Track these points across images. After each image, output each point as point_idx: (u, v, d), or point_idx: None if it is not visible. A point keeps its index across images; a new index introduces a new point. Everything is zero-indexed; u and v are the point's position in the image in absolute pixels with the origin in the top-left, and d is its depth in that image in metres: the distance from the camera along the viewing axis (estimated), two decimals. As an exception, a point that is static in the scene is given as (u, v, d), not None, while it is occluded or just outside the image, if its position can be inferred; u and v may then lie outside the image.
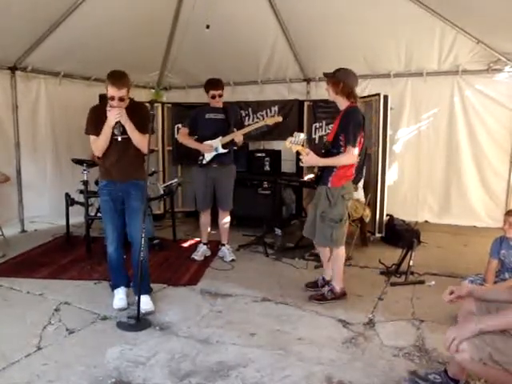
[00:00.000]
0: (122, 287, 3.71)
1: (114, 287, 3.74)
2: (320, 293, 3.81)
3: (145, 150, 3.49)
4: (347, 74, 3.61)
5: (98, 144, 3.46)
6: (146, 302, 3.55)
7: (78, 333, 3.23)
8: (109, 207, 3.57)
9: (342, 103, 3.64)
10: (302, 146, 3.56)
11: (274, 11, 5.95)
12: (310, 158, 3.53)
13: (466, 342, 2.04)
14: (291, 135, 3.55)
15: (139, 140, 3.46)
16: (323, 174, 3.66)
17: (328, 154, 3.60)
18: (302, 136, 3.56)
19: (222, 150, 4.68)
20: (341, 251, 3.78)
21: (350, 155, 3.51)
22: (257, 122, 5.04)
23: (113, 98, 3.34)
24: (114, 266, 3.69)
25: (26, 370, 2.72)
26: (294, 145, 3.51)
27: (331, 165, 3.57)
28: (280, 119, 4.78)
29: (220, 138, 4.67)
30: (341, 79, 3.57)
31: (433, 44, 5.84)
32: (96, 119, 3.46)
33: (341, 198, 3.62)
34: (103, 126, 3.40)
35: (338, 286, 3.80)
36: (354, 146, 3.49)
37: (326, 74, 3.70)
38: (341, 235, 3.72)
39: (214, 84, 4.72)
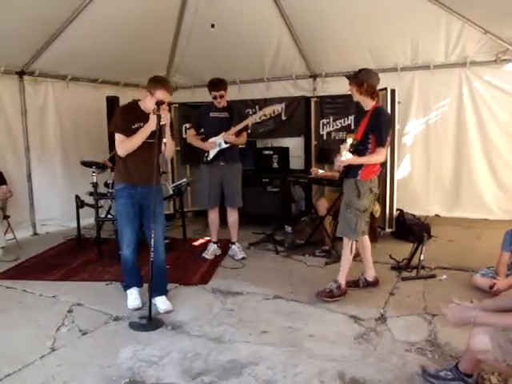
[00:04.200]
0: (135, 287, 3.75)
1: (127, 287, 3.76)
2: (328, 289, 3.77)
3: (170, 155, 3.66)
4: (370, 74, 3.67)
5: (130, 145, 3.43)
6: (164, 302, 3.61)
7: (91, 334, 3.26)
8: (128, 210, 3.56)
9: (368, 103, 3.67)
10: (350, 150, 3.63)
11: (278, 8, 5.94)
12: (347, 158, 3.57)
13: (490, 341, 2.02)
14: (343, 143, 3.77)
15: (171, 145, 3.61)
16: (351, 168, 3.68)
17: (356, 151, 3.62)
18: (349, 141, 3.67)
19: (224, 145, 4.72)
20: (353, 247, 3.76)
21: (381, 155, 3.61)
22: (254, 116, 5.06)
23: (163, 103, 3.40)
24: (129, 268, 3.70)
25: (40, 371, 2.76)
26: (344, 150, 3.62)
27: (362, 163, 3.62)
28: (278, 107, 4.77)
29: (223, 133, 4.70)
30: (364, 80, 3.60)
31: (439, 36, 5.79)
32: (128, 119, 3.46)
33: (369, 191, 3.68)
34: (131, 127, 3.42)
35: (343, 282, 3.79)
36: (383, 146, 3.59)
37: (348, 76, 3.72)
38: (363, 226, 3.75)
39: (214, 85, 4.71)
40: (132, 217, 3.59)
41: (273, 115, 5.06)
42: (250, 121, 4.89)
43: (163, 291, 3.70)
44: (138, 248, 3.70)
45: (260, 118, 6.66)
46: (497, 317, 2.11)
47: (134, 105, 3.57)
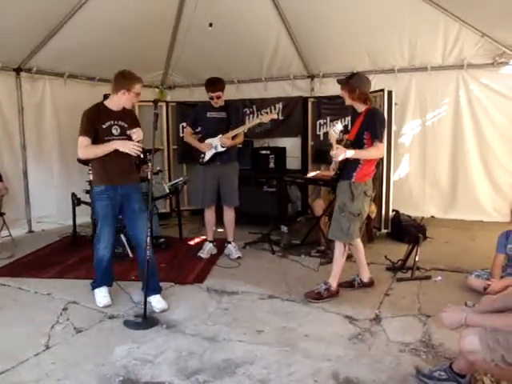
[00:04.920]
0: (105, 286, 3.76)
1: (96, 286, 3.76)
2: (317, 290, 3.76)
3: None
4: (361, 80, 3.67)
5: (93, 153, 3.49)
6: (159, 301, 3.62)
7: (86, 332, 3.26)
8: (108, 212, 3.58)
9: (360, 107, 3.68)
10: (339, 141, 3.62)
11: (276, 8, 5.93)
12: (340, 151, 3.49)
13: (479, 342, 2.04)
14: (333, 125, 3.81)
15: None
16: (345, 169, 3.67)
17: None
18: (339, 126, 3.67)
19: (220, 149, 4.71)
20: (346, 249, 3.77)
21: (379, 150, 3.60)
22: (252, 121, 5.04)
23: (138, 95, 3.52)
24: (103, 268, 3.71)
25: (35, 369, 2.75)
26: (333, 133, 3.61)
27: (359, 157, 3.57)
28: (275, 116, 4.76)
29: (220, 136, 4.69)
30: (356, 86, 3.61)
31: (437, 38, 5.81)
32: (96, 121, 3.48)
33: (363, 194, 3.66)
34: (102, 127, 3.47)
35: (334, 284, 3.79)
36: (381, 141, 3.56)
37: (339, 81, 3.73)
38: (356, 230, 3.74)
39: (211, 84, 4.70)
40: (111, 218, 3.62)
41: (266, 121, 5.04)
42: (246, 127, 4.93)
43: (157, 290, 3.69)
44: (114, 248, 3.75)
45: (259, 125, 6.72)
46: (486, 318, 2.14)
47: (100, 105, 3.59)
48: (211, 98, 4.71)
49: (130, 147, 3.45)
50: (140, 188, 3.79)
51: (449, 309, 2.35)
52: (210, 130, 4.75)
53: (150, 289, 3.57)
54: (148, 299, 3.52)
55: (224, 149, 4.70)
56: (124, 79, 3.50)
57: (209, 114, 4.77)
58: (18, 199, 5.91)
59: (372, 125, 3.55)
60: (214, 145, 4.70)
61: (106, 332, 3.26)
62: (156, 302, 3.61)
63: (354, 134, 3.63)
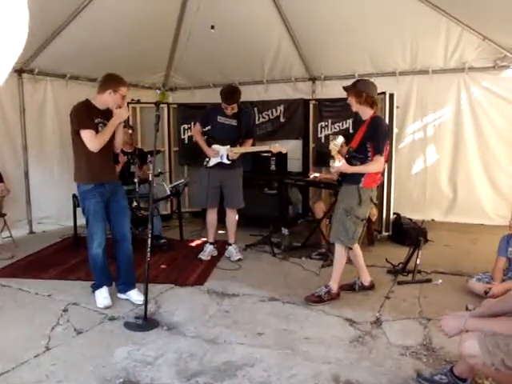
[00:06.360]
0: (105, 287, 3.77)
1: (97, 288, 3.77)
2: (317, 294, 3.76)
3: (119, 149, 3.85)
4: (367, 84, 3.69)
5: (104, 138, 3.52)
6: (138, 294, 3.72)
7: (86, 333, 3.25)
8: (99, 209, 3.62)
9: (366, 113, 3.68)
10: (339, 151, 3.61)
11: (278, 11, 5.94)
12: (341, 166, 3.55)
13: (479, 346, 2.03)
14: (333, 138, 3.71)
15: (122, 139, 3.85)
16: (351, 174, 3.66)
17: (351, 159, 3.62)
18: (340, 139, 3.63)
19: (226, 161, 4.70)
20: (345, 252, 3.76)
21: (379, 164, 3.59)
22: (262, 146, 5.01)
23: (123, 97, 3.59)
24: (100, 267, 3.72)
25: (35, 370, 2.75)
26: (334, 147, 3.59)
27: (360, 172, 3.61)
28: (284, 151, 4.75)
29: (228, 147, 4.67)
30: (362, 90, 3.62)
31: (438, 41, 5.81)
32: (89, 115, 3.53)
33: (369, 200, 3.68)
34: (94, 122, 3.52)
35: (335, 287, 3.79)
36: (381, 154, 3.56)
37: (346, 88, 3.74)
38: (359, 234, 3.76)
39: (227, 98, 4.54)
40: (103, 216, 3.66)
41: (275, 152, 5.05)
42: (254, 150, 5.01)
43: (134, 284, 3.78)
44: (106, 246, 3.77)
45: (260, 127, 6.79)
46: (485, 322, 2.13)
47: (88, 103, 3.63)
48: (225, 108, 4.61)
49: (124, 112, 3.59)
50: (121, 185, 3.91)
51: (447, 316, 2.33)
52: (219, 135, 4.71)
53: (131, 283, 3.75)
54: (126, 295, 3.70)
55: (229, 162, 4.70)
56: (112, 80, 3.60)
57: (219, 119, 4.70)
58: (19, 200, 5.90)
59: (376, 137, 3.56)
60: (221, 154, 4.69)
61: (106, 334, 3.26)
62: (136, 295, 3.71)
63: (357, 143, 3.63)
